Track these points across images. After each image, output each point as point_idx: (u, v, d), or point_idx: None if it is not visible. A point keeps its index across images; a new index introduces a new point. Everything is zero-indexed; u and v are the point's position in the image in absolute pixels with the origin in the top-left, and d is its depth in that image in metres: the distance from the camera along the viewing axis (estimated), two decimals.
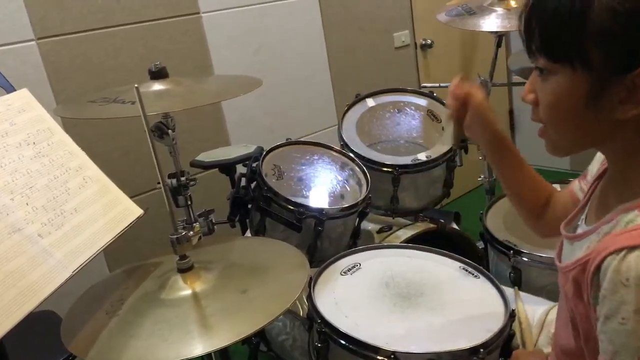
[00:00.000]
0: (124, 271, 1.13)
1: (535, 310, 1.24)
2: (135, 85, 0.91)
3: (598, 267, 0.68)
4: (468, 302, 1.18)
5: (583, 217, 0.85)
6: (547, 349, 1.14)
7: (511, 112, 3.64)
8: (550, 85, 0.73)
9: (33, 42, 1.81)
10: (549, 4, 0.69)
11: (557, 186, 1.74)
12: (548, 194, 1.07)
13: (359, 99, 1.90)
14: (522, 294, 1.34)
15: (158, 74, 1.35)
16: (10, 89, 1.27)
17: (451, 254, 1.35)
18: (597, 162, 0.92)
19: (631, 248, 0.65)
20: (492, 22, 1.88)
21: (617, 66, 0.66)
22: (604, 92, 0.68)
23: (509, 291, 1.32)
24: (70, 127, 1.07)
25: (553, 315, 1.20)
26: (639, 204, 0.70)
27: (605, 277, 0.67)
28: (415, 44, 3.00)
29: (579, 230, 0.83)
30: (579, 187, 0.99)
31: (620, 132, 0.71)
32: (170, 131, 1.30)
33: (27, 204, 0.88)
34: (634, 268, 0.64)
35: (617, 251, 0.66)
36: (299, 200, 1.49)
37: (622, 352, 0.66)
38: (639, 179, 0.73)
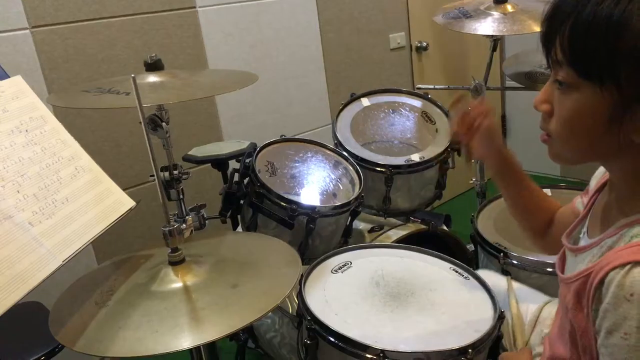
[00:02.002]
0: (114, 263, 1.12)
1: (529, 306, 1.23)
2: (132, 75, 0.91)
3: (601, 281, 0.68)
4: (457, 302, 1.19)
5: (584, 229, 0.84)
6: (539, 348, 1.14)
7: (503, 117, 3.63)
8: (571, 100, 0.70)
9: (27, 31, 1.79)
10: (584, 16, 0.66)
11: (547, 191, 1.78)
12: (553, 212, 1.06)
13: (354, 98, 1.90)
14: (515, 285, 1.32)
15: (154, 66, 1.34)
16: (3, 75, 1.25)
17: (442, 254, 1.35)
18: (596, 177, 0.91)
19: (636, 263, 0.64)
20: (488, 26, 1.89)
21: None
22: (626, 114, 0.67)
23: (501, 282, 1.30)
24: (62, 117, 1.06)
25: (546, 312, 1.20)
26: None
27: (608, 292, 0.66)
28: (411, 46, 3.01)
29: (582, 243, 0.83)
30: (581, 202, 0.98)
31: (630, 150, 0.70)
32: (164, 124, 1.29)
33: (18, 192, 0.87)
34: (638, 283, 0.63)
35: (622, 266, 0.65)
36: (292, 197, 1.49)
37: None
38: None
